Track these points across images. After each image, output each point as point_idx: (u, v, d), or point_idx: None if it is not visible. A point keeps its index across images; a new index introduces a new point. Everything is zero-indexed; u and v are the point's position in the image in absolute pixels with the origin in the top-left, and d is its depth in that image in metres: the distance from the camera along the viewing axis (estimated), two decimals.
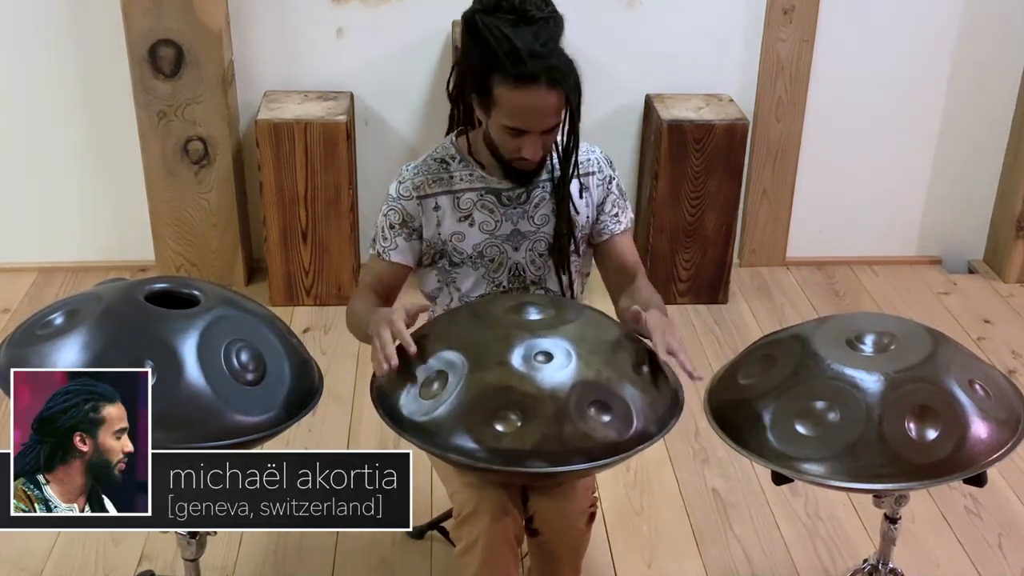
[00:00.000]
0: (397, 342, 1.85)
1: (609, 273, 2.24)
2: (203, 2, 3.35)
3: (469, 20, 1.95)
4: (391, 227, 2.13)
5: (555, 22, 1.95)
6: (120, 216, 3.81)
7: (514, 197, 2.13)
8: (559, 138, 2.08)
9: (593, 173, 2.18)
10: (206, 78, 3.44)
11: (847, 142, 3.92)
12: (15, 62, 3.58)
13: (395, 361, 1.81)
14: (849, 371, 1.83)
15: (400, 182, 2.14)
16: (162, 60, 3.40)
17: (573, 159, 2.10)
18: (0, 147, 3.69)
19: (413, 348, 1.84)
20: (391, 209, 2.13)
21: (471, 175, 2.12)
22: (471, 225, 2.13)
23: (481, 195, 2.12)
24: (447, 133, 2.21)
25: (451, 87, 2.12)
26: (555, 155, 2.12)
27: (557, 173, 2.13)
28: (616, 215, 2.20)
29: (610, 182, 2.20)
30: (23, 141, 3.69)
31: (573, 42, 2.18)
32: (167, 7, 3.34)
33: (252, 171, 3.65)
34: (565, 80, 1.94)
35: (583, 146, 2.14)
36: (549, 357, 1.81)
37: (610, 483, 2.85)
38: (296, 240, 3.58)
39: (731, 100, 3.73)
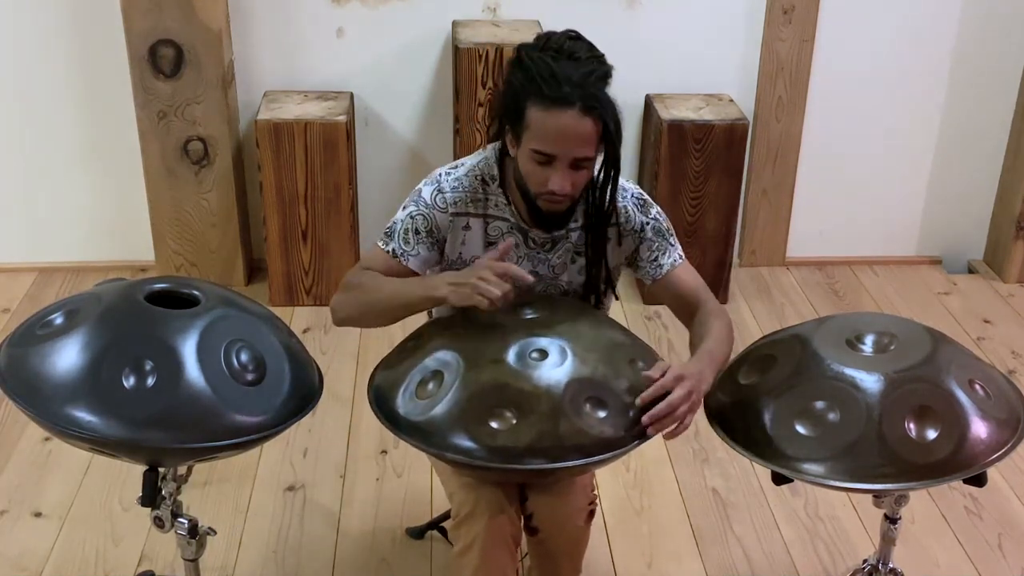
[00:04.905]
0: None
1: (671, 308, 2.15)
2: (203, 2, 3.35)
3: (515, 56, 1.93)
4: (416, 232, 2.02)
5: (600, 63, 1.90)
6: (120, 216, 3.81)
7: (539, 243, 2.06)
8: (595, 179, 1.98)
9: (621, 223, 2.08)
10: (206, 78, 3.44)
11: (847, 142, 3.92)
12: (15, 62, 3.58)
13: (508, 287, 1.84)
14: (849, 371, 1.83)
15: (437, 191, 2.03)
16: (162, 60, 3.40)
17: (609, 205, 2.01)
18: (0, 147, 3.69)
19: (530, 278, 1.89)
20: (420, 213, 2.02)
21: (506, 204, 2.04)
22: None
23: (511, 228, 2.05)
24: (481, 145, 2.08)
25: (488, 113, 2.07)
26: (588, 198, 2.02)
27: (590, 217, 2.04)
28: (655, 260, 2.09)
29: (642, 229, 2.08)
30: (23, 141, 3.69)
31: None
32: (167, 7, 3.34)
33: (252, 171, 3.65)
34: (603, 109, 1.87)
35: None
36: (544, 354, 1.81)
37: (610, 483, 2.85)
38: (296, 240, 3.58)
39: (731, 100, 3.73)
